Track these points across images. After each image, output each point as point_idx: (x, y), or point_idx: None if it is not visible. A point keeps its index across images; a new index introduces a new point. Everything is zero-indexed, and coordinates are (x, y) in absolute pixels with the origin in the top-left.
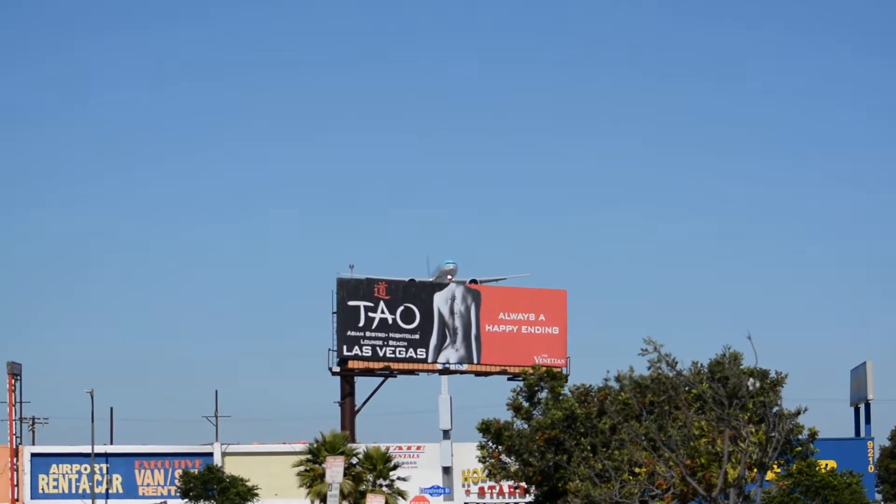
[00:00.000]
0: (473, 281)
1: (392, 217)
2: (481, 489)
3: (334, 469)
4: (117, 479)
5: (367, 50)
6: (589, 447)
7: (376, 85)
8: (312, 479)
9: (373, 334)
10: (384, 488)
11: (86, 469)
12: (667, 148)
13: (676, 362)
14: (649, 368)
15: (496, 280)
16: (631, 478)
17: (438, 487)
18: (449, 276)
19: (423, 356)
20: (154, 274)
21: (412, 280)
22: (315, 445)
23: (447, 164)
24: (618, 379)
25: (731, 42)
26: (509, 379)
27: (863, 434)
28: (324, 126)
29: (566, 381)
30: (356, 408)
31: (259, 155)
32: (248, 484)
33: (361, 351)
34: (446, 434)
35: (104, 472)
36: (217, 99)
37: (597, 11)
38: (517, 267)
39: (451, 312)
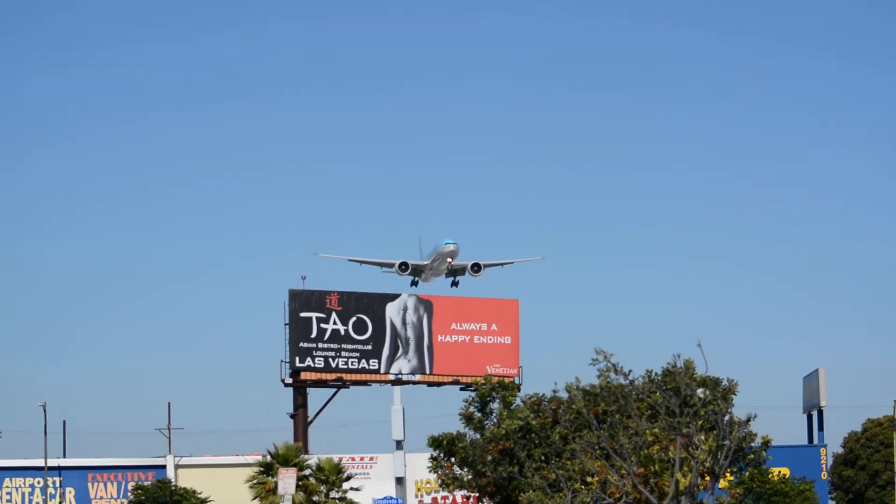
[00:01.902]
0: (476, 264)
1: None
2: (434, 500)
3: (286, 481)
4: (70, 492)
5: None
6: (542, 457)
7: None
8: (265, 491)
9: (325, 345)
10: (337, 500)
11: (39, 482)
12: (620, 163)
13: (629, 372)
14: (599, 377)
15: (502, 264)
16: (583, 487)
17: (391, 498)
18: (449, 260)
19: (376, 367)
20: (107, 286)
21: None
22: (268, 457)
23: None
24: (567, 389)
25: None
26: (462, 389)
27: (816, 441)
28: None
29: (518, 391)
30: (309, 419)
31: (215, 166)
32: (200, 496)
33: (314, 362)
34: (399, 445)
35: (57, 485)
36: (183, 115)
37: None
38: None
39: (404, 323)
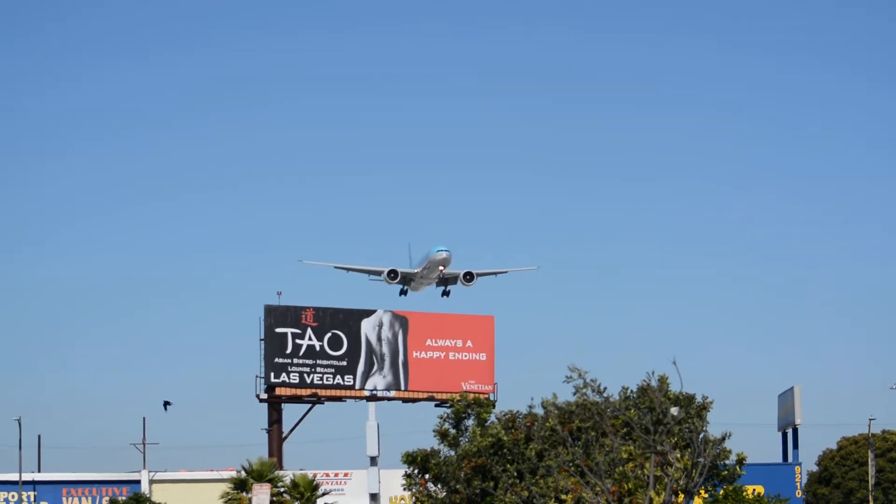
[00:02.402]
0: (469, 273)
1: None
2: None
3: (260, 497)
4: None
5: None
6: (516, 474)
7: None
8: None
9: (300, 361)
10: None
11: (13, 497)
12: (598, 179)
13: (604, 389)
14: (574, 394)
15: (495, 273)
16: None
17: None
18: (441, 268)
19: (351, 383)
20: (82, 302)
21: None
22: (242, 473)
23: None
24: (543, 405)
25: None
26: (437, 405)
27: (791, 459)
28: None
29: (493, 408)
30: (284, 435)
31: (191, 181)
32: None
33: (289, 378)
34: (373, 461)
35: (32, 499)
36: (152, 133)
37: None
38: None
39: (379, 339)
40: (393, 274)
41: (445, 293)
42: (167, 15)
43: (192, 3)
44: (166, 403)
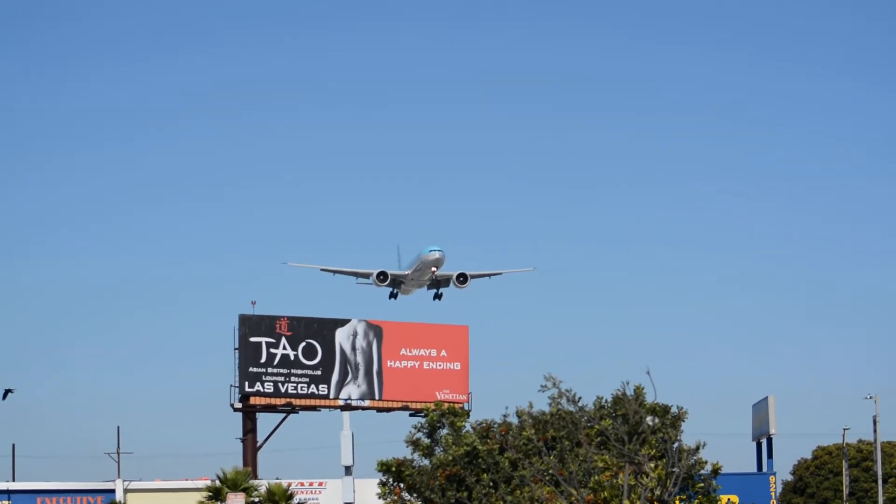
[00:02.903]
0: (462, 275)
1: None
2: None
3: None
4: None
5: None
6: (490, 483)
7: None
8: None
9: (275, 370)
10: None
11: None
12: (572, 187)
13: (579, 398)
14: (550, 404)
15: (489, 275)
16: None
17: None
18: (433, 269)
19: (325, 392)
20: (56, 311)
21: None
22: (217, 482)
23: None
24: (518, 415)
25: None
26: (411, 415)
27: (765, 469)
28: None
29: (468, 417)
30: (258, 444)
31: (166, 190)
32: None
33: (263, 387)
34: (348, 470)
35: None
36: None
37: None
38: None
39: (353, 348)
40: (382, 276)
41: (437, 296)
42: (145, 23)
43: (175, 10)
44: (6, 391)
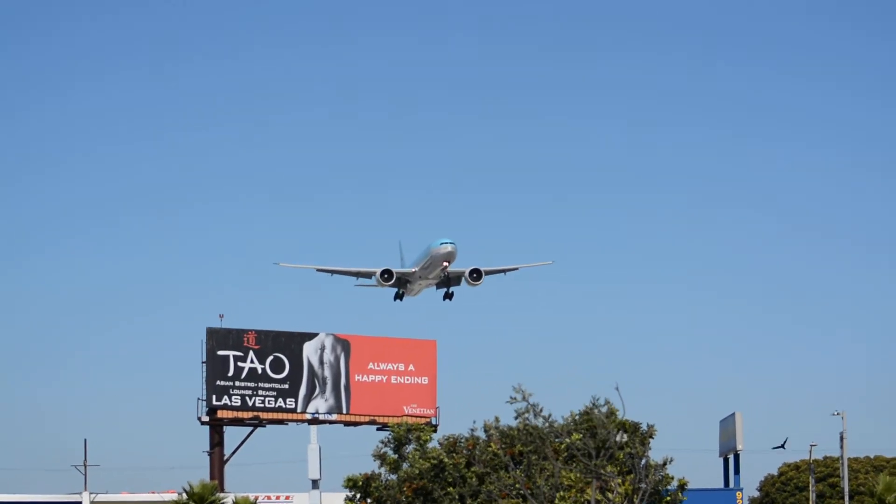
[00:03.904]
0: (476, 271)
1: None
2: None
3: None
4: None
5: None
6: (457, 497)
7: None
8: None
9: (242, 384)
10: None
11: None
12: (536, 201)
13: (549, 414)
14: (516, 418)
15: (504, 270)
16: None
17: None
18: (445, 264)
19: (293, 406)
20: (25, 323)
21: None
22: (184, 495)
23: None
24: (485, 429)
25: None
26: (379, 429)
27: (732, 485)
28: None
29: (435, 432)
30: (225, 457)
31: (135, 202)
32: None
33: (231, 400)
34: (315, 484)
35: None
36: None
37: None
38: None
39: (321, 362)
40: (387, 275)
41: (448, 296)
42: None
43: (168, 17)
44: None
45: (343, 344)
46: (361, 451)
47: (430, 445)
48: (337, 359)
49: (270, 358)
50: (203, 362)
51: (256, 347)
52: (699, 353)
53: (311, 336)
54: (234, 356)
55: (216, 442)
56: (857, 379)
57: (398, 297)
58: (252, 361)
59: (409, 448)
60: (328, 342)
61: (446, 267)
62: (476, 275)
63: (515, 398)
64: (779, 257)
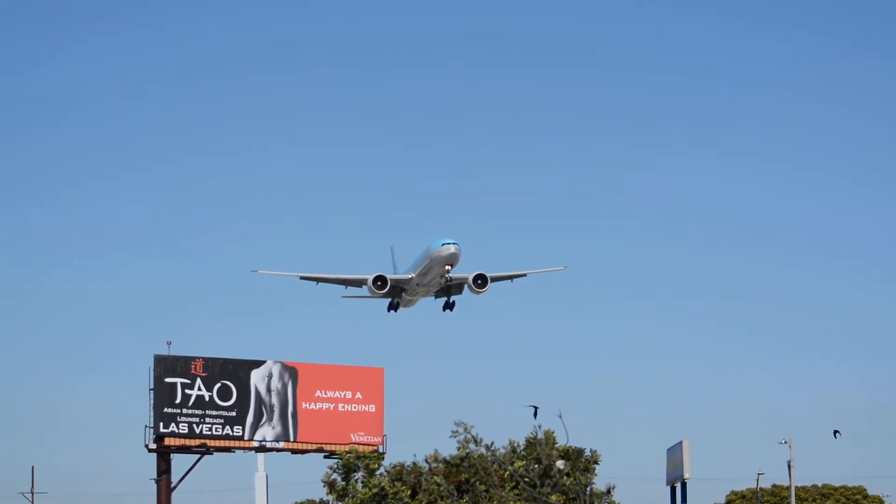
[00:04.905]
0: (481, 276)
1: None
2: None
3: None
4: None
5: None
6: None
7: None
8: None
9: (189, 411)
10: None
11: None
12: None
13: (492, 443)
14: (458, 448)
15: (511, 277)
16: None
17: None
18: (447, 267)
19: (240, 433)
20: None
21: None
22: None
23: None
24: (427, 461)
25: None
26: (326, 457)
27: None
28: None
29: (382, 460)
30: (172, 485)
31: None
32: None
33: (178, 428)
34: None
35: None
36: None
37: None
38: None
39: (268, 390)
40: (380, 282)
41: (448, 306)
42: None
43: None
44: None
45: (291, 371)
46: (309, 479)
47: (378, 473)
48: (284, 386)
49: (218, 385)
50: (151, 389)
51: (204, 375)
52: (647, 382)
53: (258, 363)
54: (181, 383)
55: (163, 469)
56: (805, 407)
57: (392, 307)
58: (199, 389)
59: (358, 476)
60: (276, 369)
61: (448, 271)
62: (481, 281)
63: (458, 431)
64: (724, 283)
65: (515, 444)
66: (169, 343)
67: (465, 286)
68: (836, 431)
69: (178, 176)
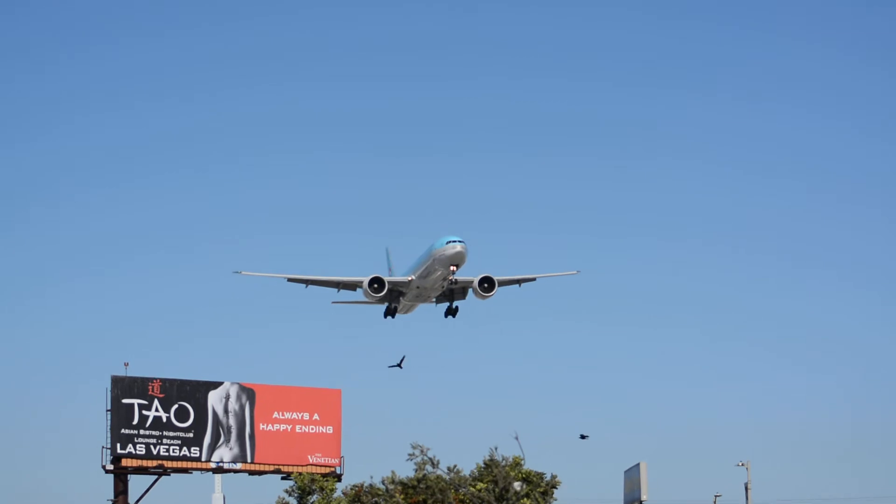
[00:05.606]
0: (487, 279)
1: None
2: None
3: None
4: None
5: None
6: None
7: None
8: None
9: (147, 432)
10: None
11: None
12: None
13: (455, 465)
14: (415, 470)
15: (519, 281)
16: None
17: None
18: (452, 268)
19: (197, 455)
20: None
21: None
22: None
23: None
24: (384, 483)
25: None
26: (283, 478)
27: None
28: None
29: (339, 481)
30: None
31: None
32: None
33: (135, 449)
34: None
35: None
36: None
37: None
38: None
39: (226, 411)
40: (377, 284)
41: (451, 311)
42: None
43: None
44: None
45: (248, 393)
46: (266, 500)
47: (336, 495)
48: (242, 407)
49: (175, 406)
50: (108, 410)
51: (161, 396)
52: (604, 403)
53: (216, 385)
54: (138, 404)
55: (120, 490)
56: (763, 428)
57: (389, 313)
58: (157, 410)
59: (314, 499)
60: (233, 391)
61: (454, 271)
62: (487, 284)
63: (414, 454)
64: (683, 299)
65: (479, 466)
66: (126, 364)
67: (470, 290)
68: (582, 435)
69: (140, 194)
